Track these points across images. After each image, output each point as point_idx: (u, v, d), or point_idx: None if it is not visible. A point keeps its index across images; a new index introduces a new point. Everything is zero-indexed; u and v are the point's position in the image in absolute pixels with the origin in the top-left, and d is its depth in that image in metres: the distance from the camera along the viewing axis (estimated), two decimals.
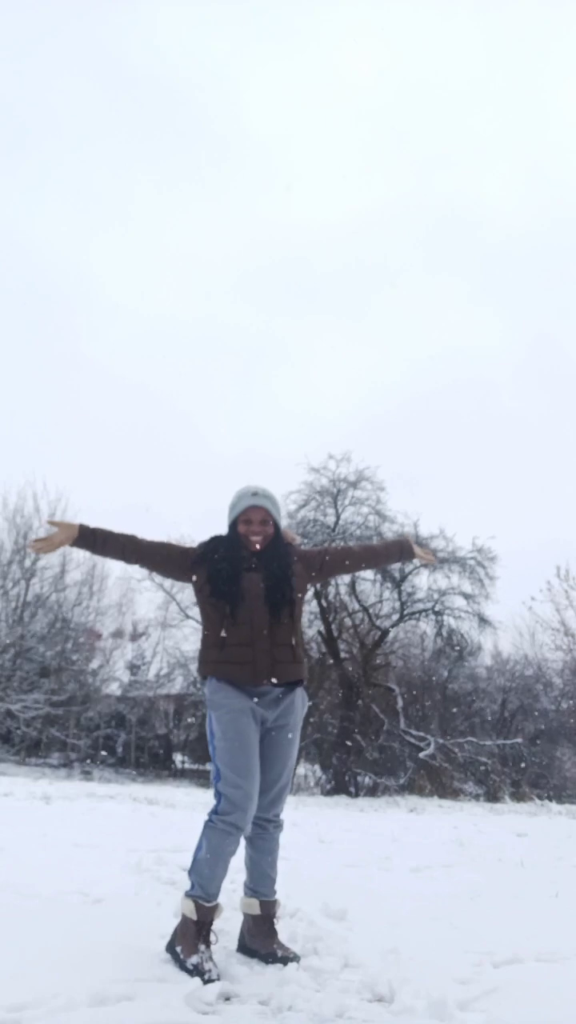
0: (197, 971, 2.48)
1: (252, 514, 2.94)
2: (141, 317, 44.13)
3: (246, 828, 2.71)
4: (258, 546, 2.94)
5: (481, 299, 43.51)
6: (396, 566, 17.91)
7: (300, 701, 2.92)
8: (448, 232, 46.37)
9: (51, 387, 39.28)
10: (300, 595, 2.97)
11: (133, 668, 22.96)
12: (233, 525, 2.98)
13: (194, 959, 2.53)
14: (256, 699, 2.79)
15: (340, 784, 16.13)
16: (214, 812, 2.71)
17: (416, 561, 3.27)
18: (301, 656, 2.92)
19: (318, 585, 16.91)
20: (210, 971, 2.50)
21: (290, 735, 2.87)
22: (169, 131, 48.18)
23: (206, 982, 2.40)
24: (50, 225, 45.91)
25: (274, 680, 2.80)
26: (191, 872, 2.73)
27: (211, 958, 2.57)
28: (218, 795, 2.72)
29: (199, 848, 2.72)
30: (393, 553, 3.34)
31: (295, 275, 47.64)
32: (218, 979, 2.46)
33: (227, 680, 2.80)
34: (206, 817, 2.74)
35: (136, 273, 43.54)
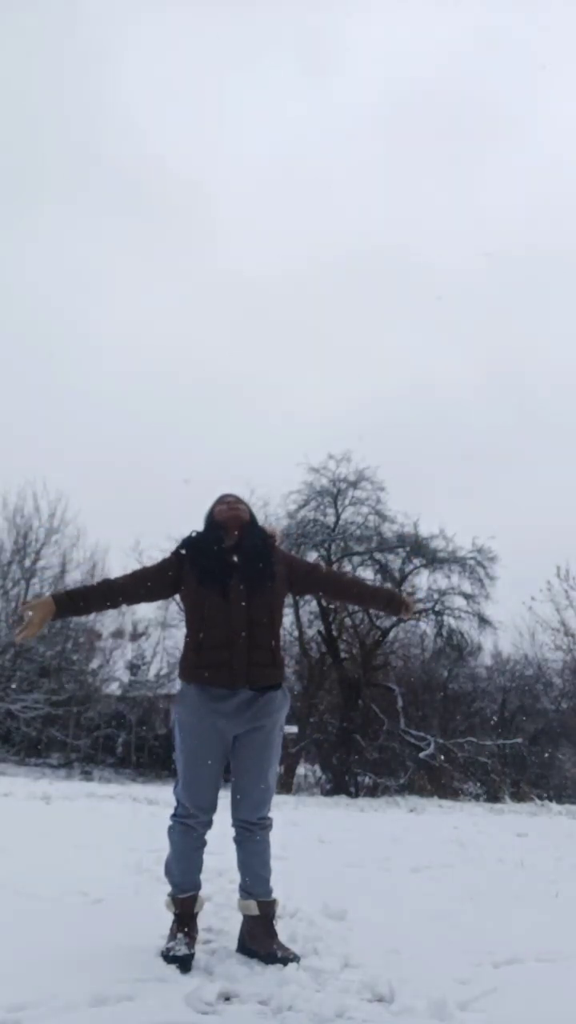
0: (164, 955, 2.59)
1: (226, 498, 3.09)
2: (137, 347, 44.75)
3: (204, 826, 2.81)
4: (236, 519, 2.99)
5: (447, 330, 44.62)
6: (396, 563, 17.95)
7: (279, 700, 2.85)
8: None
9: (51, 390, 39.29)
10: (279, 593, 2.94)
11: (133, 668, 22.91)
12: (210, 516, 3.08)
13: (167, 944, 2.66)
14: (226, 702, 2.76)
15: (340, 784, 16.14)
16: (173, 815, 2.85)
17: (403, 615, 3.18)
18: (280, 660, 2.89)
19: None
20: (172, 948, 2.61)
21: (268, 736, 2.82)
22: (156, 180, 49.15)
23: (169, 960, 2.53)
24: (48, 248, 46.26)
25: (248, 686, 2.78)
26: (165, 874, 2.88)
27: (187, 943, 2.65)
28: (177, 800, 2.84)
29: (169, 851, 2.85)
30: (381, 600, 3.25)
31: (275, 311, 48.51)
32: (182, 957, 2.56)
33: (200, 686, 2.79)
34: (169, 821, 2.87)
35: (128, 300, 44.14)
